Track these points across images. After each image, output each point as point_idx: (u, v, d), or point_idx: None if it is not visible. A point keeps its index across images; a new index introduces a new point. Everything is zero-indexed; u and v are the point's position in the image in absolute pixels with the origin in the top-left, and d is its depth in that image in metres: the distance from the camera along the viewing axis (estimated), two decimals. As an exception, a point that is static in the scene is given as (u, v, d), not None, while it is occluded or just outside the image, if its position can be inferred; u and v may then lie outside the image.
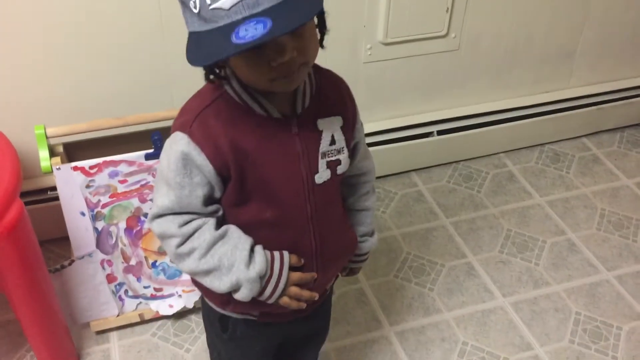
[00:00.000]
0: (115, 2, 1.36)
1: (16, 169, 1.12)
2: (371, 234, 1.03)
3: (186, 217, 0.83)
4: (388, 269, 1.60)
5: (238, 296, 0.84)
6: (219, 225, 0.84)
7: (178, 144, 0.80)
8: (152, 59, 1.46)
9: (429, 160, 1.91)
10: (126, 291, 1.38)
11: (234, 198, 0.84)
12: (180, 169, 0.80)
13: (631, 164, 1.95)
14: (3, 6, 1.30)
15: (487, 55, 1.81)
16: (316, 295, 0.90)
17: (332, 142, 0.86)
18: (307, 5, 0.69)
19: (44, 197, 1.51)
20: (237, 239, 0.84)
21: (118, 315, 1.40)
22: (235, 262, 0.82)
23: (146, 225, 1.32)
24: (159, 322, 1.44)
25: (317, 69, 0.88)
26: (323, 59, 1.78)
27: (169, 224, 0.82)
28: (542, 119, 1.95)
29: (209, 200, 0.83)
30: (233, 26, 0.67)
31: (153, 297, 1.41)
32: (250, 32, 0.65)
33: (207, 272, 0.83)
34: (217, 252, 0.82)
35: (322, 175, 0.86)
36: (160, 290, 1.40)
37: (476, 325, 1.46)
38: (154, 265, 1.37)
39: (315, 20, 0.80)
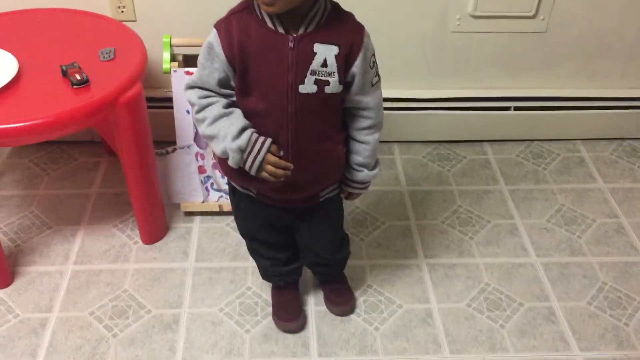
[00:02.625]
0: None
1: (143, 61, 1.46)
2: (370, 167, 1.22)
3: (205, 92, 1.11)
4: (437, 215, 1.78)
5: (229, 162, 1.11)
6: (229, 106, 1.12)
7: (210, 35, 1.09)
8: None
9: (504, 134, 2.05)
10: (212, 184, 1.69)
11: (239, 87, 1.11)
12: (205, 54, 1.10)
13: None
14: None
15: (575, 42, 1.90)
16: (288, 172, 1.13)
17: (324, 64, 1.07)
18: None
19: (159, 104, 1.84)
20: (234, 119, 1.10)
21: (202, 202, 1.71)
22: (228, 135, 1.09)
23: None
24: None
25: (338, 10, 1.10)
26: (413, 24, 1.99)
27: (194, 95, 1.12)
28: (626, 112, 2.02)
29: (224, 84, 1.11)
30: None
31: (232, 193, 1.71)
32: None
33: (211, 138, 1.11)
34: (219, 124, 1.10)
35: (307, 87, 1.08)
36: (238, 188, 1.69)
37: (503, 273, 1.61)
38: (236, 166, 1.66)
39: None
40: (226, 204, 1.72)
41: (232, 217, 1.74)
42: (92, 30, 1.56)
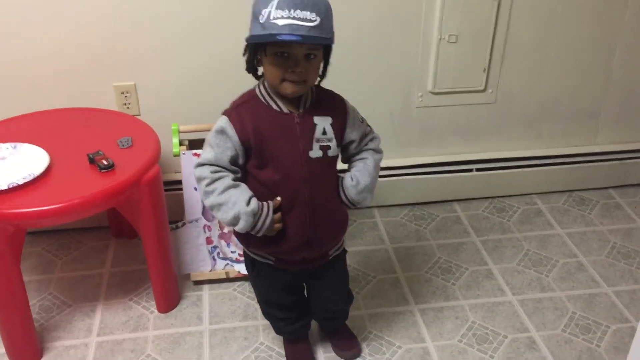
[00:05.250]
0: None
1: (157, 146, 1.67)
2: (357, 183, 1.36)
3: (216, 168, 1.29)
4: (421, 266, 1.99)
5: (237, 228, 1.29)
6: (236, 180, 1.31)
7: (221, 121, 1.29)
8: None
9: (469, 193, 2.31)
10: (218, 253, 1.87)
11: (256, 162, 1.31)
12: (217, 136, 1.28)
13: (649, 212, 2.25)
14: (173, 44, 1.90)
15: (520, 110, 2.21)
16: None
17: (324, 132, 1.31)
18: (324, 39, 1.20)
19: (170, 187, 2.03)
20: (243, 189, 1.30)
21: (210, 271, 1.88)
22: (238, 201, 1.27)
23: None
24: (240, 282, 1.91)
25: (321, 89, 1.35)
26: (384, 102, 2.28)
27: (205, 170, 1.29)
28: (571, 167, 2.31)
29: (234, 162, 1.30)
30: (278, 35, 1.16)
31: (237, 261, 1.88)
32: (289, 38, 1.15)
33: (220, 205, 1.28)
34: (229, 193, 1.28)
35: (315, 152, 1.30)
36: (243, 256, 1.87)
37: (485, 311, 1.82)
38: (240, 235, 1.85)
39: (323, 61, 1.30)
40: (232, 271, 1.89)
41: (238, 283, 1.91)
42: (108, 124, 1.77)
